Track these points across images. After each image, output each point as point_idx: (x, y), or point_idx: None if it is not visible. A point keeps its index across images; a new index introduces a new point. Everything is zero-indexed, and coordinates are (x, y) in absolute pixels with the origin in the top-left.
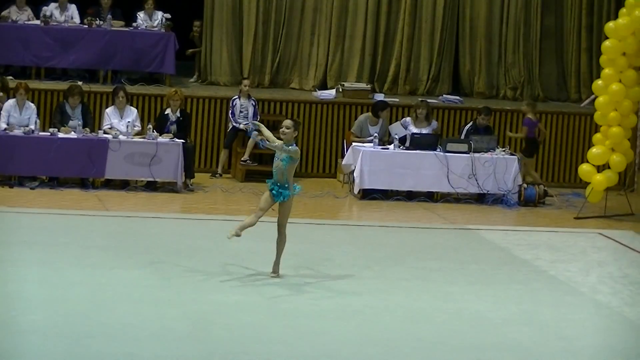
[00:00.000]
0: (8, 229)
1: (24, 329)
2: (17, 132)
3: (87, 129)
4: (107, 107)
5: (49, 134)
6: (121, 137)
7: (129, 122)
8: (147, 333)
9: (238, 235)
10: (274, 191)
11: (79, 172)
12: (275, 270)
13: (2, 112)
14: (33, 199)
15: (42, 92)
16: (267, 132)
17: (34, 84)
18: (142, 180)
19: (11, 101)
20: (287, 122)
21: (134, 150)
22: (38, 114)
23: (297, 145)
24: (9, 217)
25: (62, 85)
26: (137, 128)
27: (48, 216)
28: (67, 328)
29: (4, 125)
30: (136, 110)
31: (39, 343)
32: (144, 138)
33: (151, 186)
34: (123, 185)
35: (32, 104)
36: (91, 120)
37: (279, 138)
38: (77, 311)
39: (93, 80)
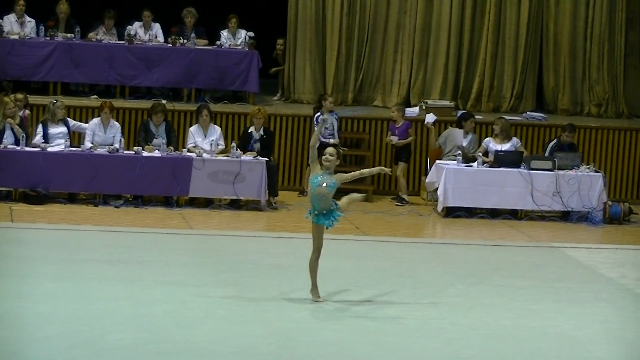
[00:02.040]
0: (93, 247)
1: (109, 346)
2: (102, 150)
3: (171, 148)
4: (190, 126)
5: (133, 152)
6: (205, 155)
7: (212, 140)
8: (231, 350)
9: (318, 298)
10: (320, 221)
11: (163, 190)
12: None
13: (87, 131)
14: (117, 218)
15: (126, 111)
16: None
17: (118, 103)
18: (225, 199)
19: (96, 120)
20: (331, 150)
21: (217, 168)
22: (122, 133)
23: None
24: (93, 235)
25: (146, 104)
26: (221, 146)
27: (132, 234)
28: (152, 346)
29: (89, 144)
30: (220, 129)
31: None
32: (227, 156)
33: (235, 204)
34: (207, 203)
35: (116, 123)
36: (175, 138)
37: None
38: (161, 329)
39: (177, 98)
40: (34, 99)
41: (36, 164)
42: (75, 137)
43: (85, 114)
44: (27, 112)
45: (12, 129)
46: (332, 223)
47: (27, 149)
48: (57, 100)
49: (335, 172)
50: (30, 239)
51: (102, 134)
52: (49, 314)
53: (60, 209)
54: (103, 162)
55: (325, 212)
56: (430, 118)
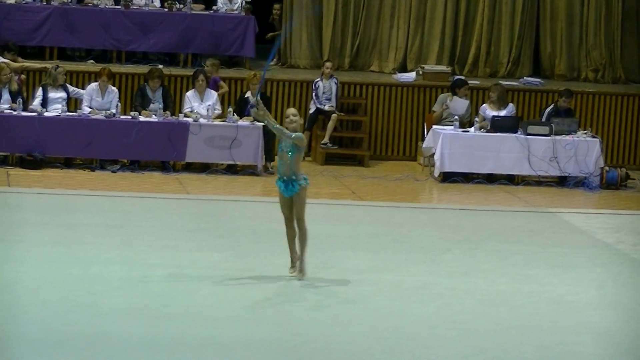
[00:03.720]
0: (90, 211)
1: (105, 311)
2: (99, 115)
3: (168, 113)
4: (187, 91)
5: (130, 117)
6: (202, 120)
7: (209, 105)
8: (227, 315)
9: (302, 274)
10: (281, 188)
11: (160, 155)
12: (301, 269)
13: (85, 96)
14: (114, 182)
15: (122, 76)
16: (268, 115)
17: (114, 68)
18: (222, 164)
19: (93, 85)
20: (293, 110)
21: (214, 133)
22: (119, 98)
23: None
24: (90, 200)
25: (143, 69)
26: (218, 111)
27: (129, 199)
28: (147, 310)
29: (87, 109)
30: (216, 94)
31: (119, 325)
32: (224, 121)
33: (231, 169)
34: (203, 168)
35: (114, 88)
36: (172, 103)
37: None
38: (157, 293)
39: (173, 63)
40: (29, 64)
41: (33, 128)
42: (72, 103)
43: (82, 79)
44: (23, 76)
45: (9, 93)
46: (289, 192)
47: (24, 113)
48: (58, 66)
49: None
50: (26, 203)
51: (99, 99)
52: (44, 278)
53: (56, 173)
54: (100, 127)
55: (285, 178)
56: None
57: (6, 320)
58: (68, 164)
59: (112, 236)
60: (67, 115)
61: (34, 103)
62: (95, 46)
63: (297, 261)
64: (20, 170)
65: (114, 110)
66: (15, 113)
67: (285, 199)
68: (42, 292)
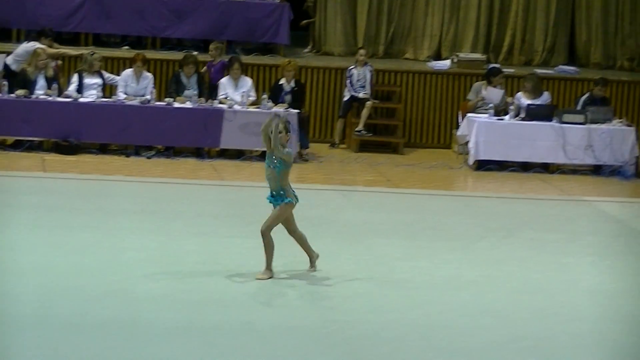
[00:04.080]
0: (125, 197)
1: (140, 296)
2: (134, 102)
3: (202, 99)
4: (222, 77)
5: (165, 103)
6: (236, 107)
7: (243, 92)
8: (262, 301)
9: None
10: (271, 201)
11: (194, 141)
12: (267, 272)
13: (120, 82)
14: (149, 169)
15: (157, 62)
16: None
17: (149, 54)
18: (256, 150)
19: (129, 71)
20: (280, 126)
21: (249, 120)
22: (154, 84)
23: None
24: (125, 186)
25: (177, 55)
26: (252, 98)
27: (164, 185)
28: (183, 296)
29: (123, 95)
30: (251, 81)
31: (154, 310)
32: (258, 108)
33: (265, 156)
34: (238, 154)
35: (149, 74)
36: (206, 90)
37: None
38: (192, 279)
39: (208, 50)
40: (66, 48)
41: (68, 114)
42: (108, 89)
43: (117, 65)
44: (60, 62)
45: (45, 79)
46: (275, 203)
47: (59, 99)
48: (94, 52)
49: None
50: (62, 189)
51: (134, 85)
52: (80, 264)
53: (91, 159)
54: (135, 113)
55: (274, 193)
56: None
57: (43, 304)
58: (103, 149)
59: (147, 222)
60: (103, 101)
61: (69, 89)
62: (130, 32)
63: (315, 260)
64: (55, 155)
65: (148, 97)
66: (50, 99)
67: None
68: (77, 278)
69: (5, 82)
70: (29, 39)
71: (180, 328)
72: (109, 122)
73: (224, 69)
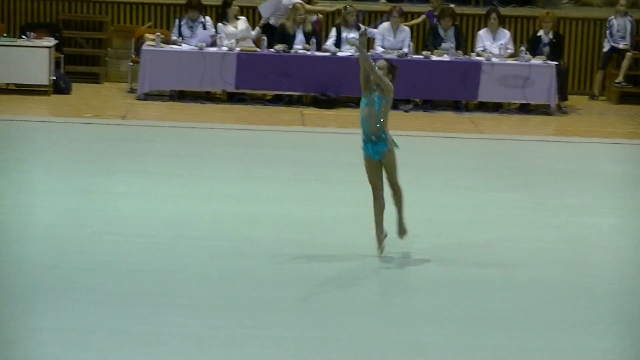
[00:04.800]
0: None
1: (409, 250)
2: (392, 55)
3: (460, 52)
4: (479, 30)
5: (422, 57)
6: (494, 59)
7: (501, 44)
8: (520, 255)
9: (403, 234)
10: (369, 151)
11: (452, 94)
12: (402, 229)
13: (377, 35)
14: (407, 122)
15: (414, 15)
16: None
17: (406, 7)
18: (515, 103)
19: (386, 24)
20: (381, 63)
21: (506, 72)
22: (411, 37)
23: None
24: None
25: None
26: (510, 50)
27: (421, 139)
28: (442, 250)
29: (380, 49)
30: (509, 33)
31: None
32: (516, 60)
33: (524, 109)
34: (496, 107)
35: (406, 27)
36: (464, 42)
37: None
38: (453, 233)
39: (465, 2)
40: (324, 4)
41: (327, 68)
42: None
43: (374, 18)
44: (321, 16)
45: (304, 33)
46: (377, 155)
47: (318, 53)
48: (348, 6)
49: None
50: (320, 143)
51: (391, 39)
52: (342, 216)
53: (350, 113)
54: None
55: (374, 138)
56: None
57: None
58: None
59: (405, 175)
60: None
61: (327, 43)
62: None
63: (383, 239)
64: (314, 109)
65: (406, 50)
66: (309, 53)
67: (375, 163)
68: (337, 232)
69: (265, 37)
70: None
71: (442, 282)
72: None
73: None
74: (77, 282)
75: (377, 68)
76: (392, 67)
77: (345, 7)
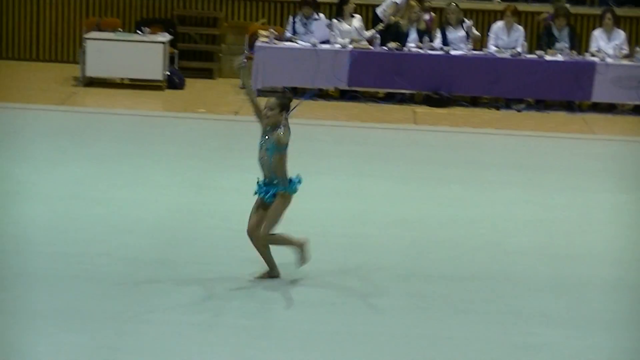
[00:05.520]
0: (494, 150)
1: (511, 249)
2: (505, 54)
3: (574, 52)
4: (593, 30)
5: (536, 56)
6: (608, 60)
7: (616, 44)
8: (630, 257)
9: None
10: (260, 191)
11: (565, 94)
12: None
13: (490, 34)
14: (519, 122)
15: (528, 15)
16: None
17: (520, 6)
18: (629, 104)
19: (499, 23)
20: (271, 102)
21: (621, 73)
22: (525, 37)
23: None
24: (495, 138)
25: (548, 7)
26: (625, 51)
27: (534, 138)
28: (551, 250)
29: (493, 48)
30: (624, 33)
31: (525, 264)
32: (631, 61)
33: (638, 110)
34: (609, 108)
35: (520, 27)
36: (578, 42)
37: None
38: (562, 234)
39: (580, 2)
40: (438, 3)
41: (439, 67)
42: (478, 42)
43: (487, 18)
44: (433, 14)
45: (417, 32)
46: (263, 195)
47: (431, 52)
48: (452, 4)
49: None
50: (432, 141)
51: (505, 38)
52: (451, 216)
53: (462, 112)
54: (505, 65)
55: (266, 181)
56: None
57: (413, 256)
58: (474, 102)
59: (517, 176)
60: (473, 54)
61: (435, 42)
62: None
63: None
64: (426, 108)
65: (519, 49)
66: (422, 51)
67: (264, 205)
68: (448, 230)
69: (378, 35)
70: None
71: (551, 283)
72: (479, 75)
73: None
74: (189, 276)
75: (267, 109)
76: (284, 101)
77: (449, 4)
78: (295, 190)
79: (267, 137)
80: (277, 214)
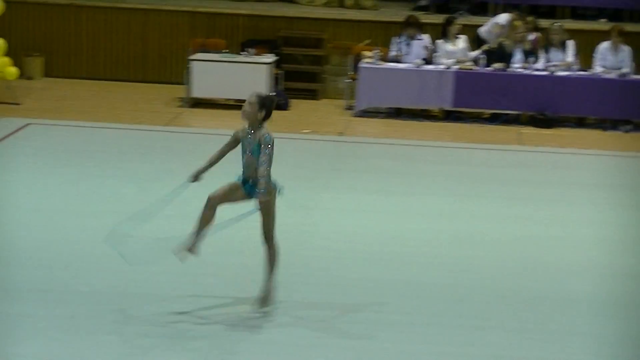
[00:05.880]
0: (597, 171)
1: (619, 272)
2: (611, 75)
3: None
4: None
5: None
6: None
7: None
8: None
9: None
10: (246, 188)
11: None
12: (265, 300)
13: (597, 55)
14: (626, 143)
15: (635, 35)
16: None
17: (627, 26)
18: None
19: (606, 44)
20: (252, 97)
21: None
22: (632, 57)
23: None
24: (599, 160)
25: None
26: None
27: (634, 160)
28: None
29: (600, 68)
30: None
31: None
32: None
33: None
34: None
35: (626, 47)
36: None
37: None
38: None
39: None
40: (543, 23)
41: (545, 87)
42: (582, 62)
43: (592, 38)
44: (539, 34)
45: (523, 52)
46: (253, 195)
47: (536, 72)
48: (555, 24)
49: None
50: (538, 162)
51: (612, 58)
52: (547, 237)
53: (568, 132)
54: (612, 86)
55: (251, 182)
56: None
57: (491, 275)
58: (580, 123)
59: (628, 197)
60: (580, 75)
61: (538, 63)
62: (607, 5)
63: (193, 249)
64: (531, 128)
65: (626, 70)
66: (527, 72)
67: (242, 195)
68: (550, 252)
69: (484, 56)
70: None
71: None
72: (585, 96)
73: None
74: (299, 296)
75: (247, 102)
76: (265, 100)
77: (553, 24)
78: (277, 189)
79: (250, 137)
80: (273, 215)
